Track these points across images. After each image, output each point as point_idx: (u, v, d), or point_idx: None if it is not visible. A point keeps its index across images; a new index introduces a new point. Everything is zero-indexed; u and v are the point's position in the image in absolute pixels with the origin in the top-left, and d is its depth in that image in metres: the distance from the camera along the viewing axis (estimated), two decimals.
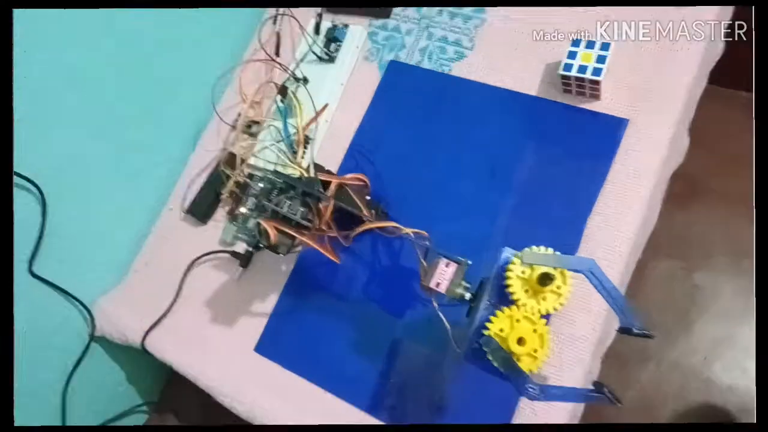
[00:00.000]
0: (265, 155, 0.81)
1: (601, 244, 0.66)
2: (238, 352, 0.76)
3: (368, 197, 0.71)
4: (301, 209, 0.61)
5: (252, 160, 0.80)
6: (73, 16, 0.70)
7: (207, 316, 0.79)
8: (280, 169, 0.74)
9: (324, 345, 0.73)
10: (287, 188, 0.63)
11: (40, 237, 0.73)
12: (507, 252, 0.53)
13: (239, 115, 0.85)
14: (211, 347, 0.78)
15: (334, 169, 0.80)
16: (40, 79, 0.69)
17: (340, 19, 0.88)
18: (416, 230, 0.61)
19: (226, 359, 0.76)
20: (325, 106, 0.80)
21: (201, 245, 0.83)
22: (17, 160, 0.68)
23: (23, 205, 0.71)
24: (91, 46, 0.73)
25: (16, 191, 0.69)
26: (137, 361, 0.91)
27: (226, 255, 0.81)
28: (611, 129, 0.70)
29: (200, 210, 0.83)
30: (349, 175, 0.72)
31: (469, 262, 0.55)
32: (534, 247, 0.52)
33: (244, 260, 0.78)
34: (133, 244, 0.87)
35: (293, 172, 0.70)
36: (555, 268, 0.50)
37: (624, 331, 0.51)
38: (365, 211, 0.64)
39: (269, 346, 0.76)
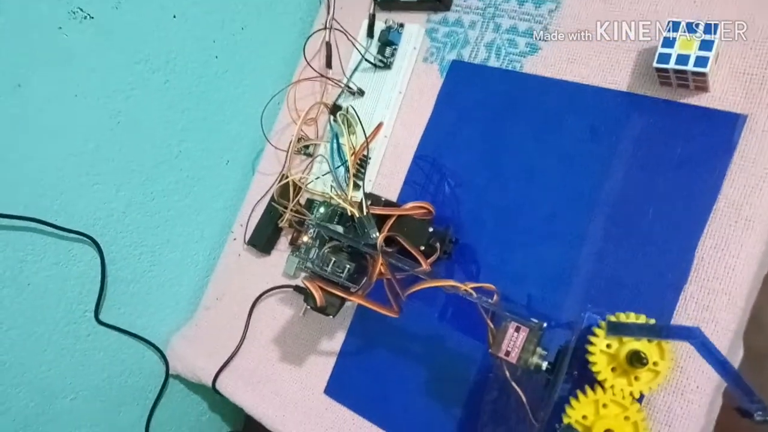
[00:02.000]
0: (320, 183, 0.75)
1: (712, 279, 0.54)
2: (309, 394, 0.72)
3: (431, 228, 0.62)
4: (348, 265, 0.54)
5: (308, 187, 0.74)
6: (113, 59, 0.67)
7: (276, 355, 0.76)
8: (334, 198, 0.67)
9: (395, 390, 0.67)
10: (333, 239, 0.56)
11: (102, 286, 0.72)
12: (589, 315, 0.44)
13: (293, 136, 0.79)
14: (280, 389, 0.74)
15: (396, 190, 0.72)
16: (85, 126, 0.67)
17: (394, 17, 0.78)
18: (480, 284, 0.52)
19: (296, 402, 0.72)
20: (379, 126, 0.72)
21: (266, 278, 0.79)
22: (67, 216, 0.67)
23: (80, 258, 0.69)
24: (136, 84, 0.70)
25: (71, 246, 0.68)
26: None
27: (291, 289, 0.76)
28: (724, 128, 0.56)
29: (261, 241, 0.79)
30: (409, 205, 0.64)
31: (544, 324, 0.46)
32: (622, 315, 0.42)
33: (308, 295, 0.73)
34: (200, 279, 0.85)
35: (345, 206, 0.63)
36: (650, 341, 0.40)
37: (744, 414, 0.41)
38: (422, 261, 0.56)
39: (339, 388, 0.71)
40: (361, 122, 0.70)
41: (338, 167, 0.71)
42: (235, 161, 0.84)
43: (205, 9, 0.73)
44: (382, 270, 0.54)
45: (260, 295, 0.78)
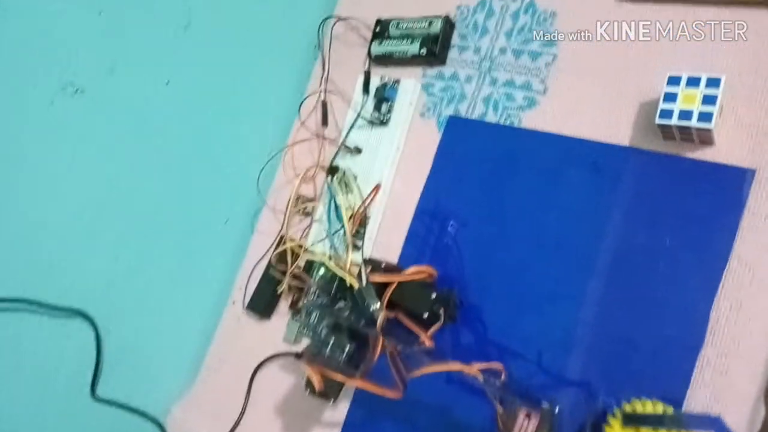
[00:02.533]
0: (320, 245, 0.73)
1: (728, 342, 0.51)
2: None
3: (434, 295, 0.60)
4: (348, 345, 0.52)
5: (306, 250, 0.72)
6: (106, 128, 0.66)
7: (278, 427, 0.73)
8: (333, 264, 0.65)
9: None
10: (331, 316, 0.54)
11: (98, 360, 0.70)
12: (604, 400, 0.41)
13: (291, 197, 0.78)
14: None
15: (397, 248, 0.70)
16: (77, 203, 0.66)
17: (390, 72, 0.77)
18: (487, 365, 0.50)
19: None
20: (376, 188, 0.70)
21: (267, 343, 0.77)
22: (60, 291, 0.65)
23: (75, 334, 0.67)
24: (131, 151, 0.69)
25: (65, 323, 0.66)
26: None
27: (292, 356, 0.74)
28: (732, 184, 0.54)
29: (260, 306, 0.77)
30: (410, 270, 0.62)
31: (556, 409, 0.44)
32: (638, 404, 0.39)
33: (309, 350, 0.71)
34: (199, 345, 0.82)
35: (344, 275, 0.61)
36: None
37: None
38: (424, 338, 0.54)
39: None
40: (358, 185, 0.69)
41: (336, 232, 0.70)
42: (234, 220, 0.83)
43: (198, 73, 0.73)
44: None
45: (261, 363, 0.75)
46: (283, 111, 0.83)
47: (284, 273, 0.72)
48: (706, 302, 0.53)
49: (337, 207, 0.70)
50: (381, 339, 0.49)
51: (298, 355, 0.72)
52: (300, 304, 0.74)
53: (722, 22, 0.57)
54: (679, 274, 0.54)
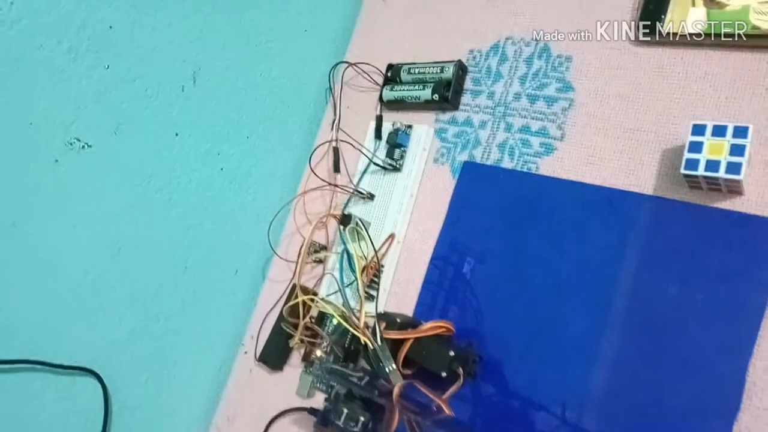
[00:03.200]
0: (332, 297, 0.71)
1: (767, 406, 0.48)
2: None
3: (452, 353, 0.58)
4: (362, 417, 0.49)
5: (318, 303, 0.70)
6: (113, 184, 0.65)
7: None
8: (345, 320, 0.63)
9: None
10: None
11: (106, 419, 0.67)
12: None
13: (302, 246, 0.76)
14: None
15: (412, 298, 0.68)
16: (84, 257, 0.64)
17: (401, 117, 0.76)
18: None
19: None
20: (390, 237, 0.68)
21: (279, 396, 0.74)
22: (67, 352, 0.63)
23: (82, 392, 0.65)
24: (138, 207, 0.68)
25: (73, 381, 0.64)
26: None
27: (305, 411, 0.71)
28: (764, 236, 0.52)
29: (272, 358, 0.75)
30: (427, 326, 0.60)
31: None
32: None
33: (323, 419, 0.68)
34: (210, 397, 0.80)
35: (358, 333, 0.58)
36: None
37: None
38: (444, 407, 0.51)
39: None
40: (369, 235, 0.67)
41: (348, 285, 0.68)
42: (244, 270, 0.81)
43: (208, 123, 0.72)
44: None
45: (273, 418, 0.73)
46: (294, 158, 0.83)
47: (296, 326, 0.70)
48: (743, 362, 0.50)
49: (350, 256, 0.68)
50: (397, 413, 0.47)
51: (312, 411, 0.70)
52: (313, 356, 0.72)
53: (746, 67, 0.56)
54: (711, 331, 0.52)
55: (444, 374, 0.57)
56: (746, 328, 0.50)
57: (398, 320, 0.60)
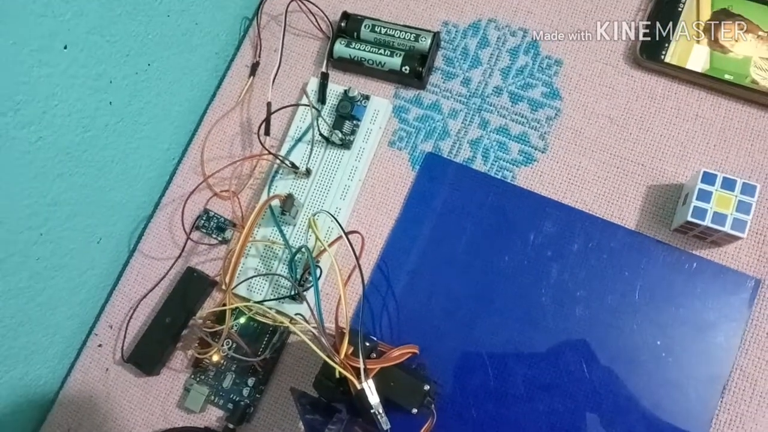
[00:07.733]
0: (256, 294, 0.56)
1: None
2: None
3: (427, 387, 0.49)
4: None
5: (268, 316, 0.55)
6: None
7: None
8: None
9: None
10: None
11: None
12: None
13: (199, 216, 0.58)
14: None
15: (347, 312, 0.57)
16: None
17: (352, 82, 0.63)
18: None
19: None
20: (338, 239, 0.55)
21: (151, 410, 0.57)
22: None
23: None
24: None
25: None
26: None
27: None
28: (738, 291, 0.53)
29: (147, 360, 0.57)
30: (396, 352, 0.50)
31: None
32: None
33: None
34: (42, 404, 0.59)
35: (335, 366, 0.46)
36: None
37: None
38: None
39: None
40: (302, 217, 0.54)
41: (311, 288, 0.54)
42: (108, 238, 0.60)
43: (107, 35, 0.50)
44: None
45: None
46: (192, 101, 0.63)
47: (215, 333, 0.53)
48: (708, 414, 0.51)
49: (310, 255, 0.53)
50: None
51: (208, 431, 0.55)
52: (206, 362, 0.56)
53: (736, 119, 0.56)
54: (680, 381, 0.52)
55: (415, 411, 0.49)
56: (713, 381, 0.51)
57: (367, 344, 0.49)
